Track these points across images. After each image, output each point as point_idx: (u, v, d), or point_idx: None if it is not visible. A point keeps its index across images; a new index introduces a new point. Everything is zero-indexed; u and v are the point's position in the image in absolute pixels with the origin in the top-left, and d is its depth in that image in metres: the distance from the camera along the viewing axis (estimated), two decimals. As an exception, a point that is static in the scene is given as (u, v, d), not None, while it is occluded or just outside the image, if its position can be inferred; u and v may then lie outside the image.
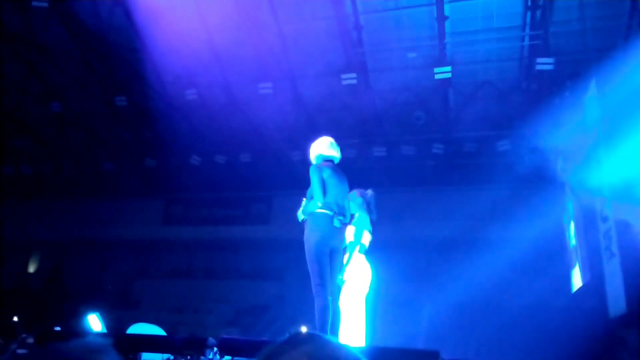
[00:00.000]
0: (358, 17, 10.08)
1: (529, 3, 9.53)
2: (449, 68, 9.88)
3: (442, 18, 9.57)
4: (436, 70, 9.92)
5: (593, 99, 7.75)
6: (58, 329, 5.80)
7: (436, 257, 11.71)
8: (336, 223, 4.05)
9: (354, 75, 10.37)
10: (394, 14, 10.09)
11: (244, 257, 14.84)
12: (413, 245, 11.59)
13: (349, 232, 4.51)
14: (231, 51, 10.72)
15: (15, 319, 11.39)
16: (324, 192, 4.06)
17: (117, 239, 14.87)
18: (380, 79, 11.06)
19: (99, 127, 13.50)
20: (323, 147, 4.38)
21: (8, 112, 12.75)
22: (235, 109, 11.71)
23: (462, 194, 11.95)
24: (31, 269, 16.30)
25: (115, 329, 9.55)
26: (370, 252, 4.83)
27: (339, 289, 4.27)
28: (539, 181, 10.17)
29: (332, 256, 4.08)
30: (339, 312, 4.07)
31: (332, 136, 4.55)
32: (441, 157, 12.05)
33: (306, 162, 4.48)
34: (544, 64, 9.38)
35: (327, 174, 4.15)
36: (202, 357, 3.75)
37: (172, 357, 4.01)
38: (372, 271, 4.78)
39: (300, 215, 4.18)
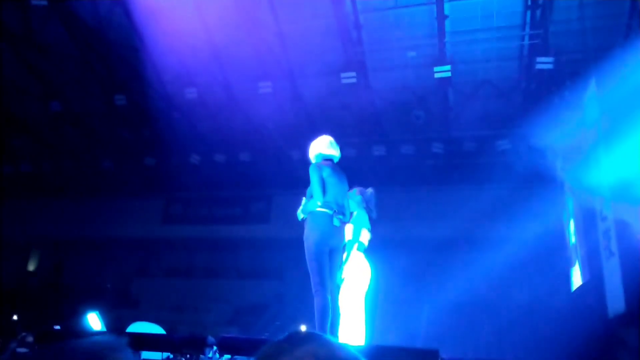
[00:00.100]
0: (358, 16, 10.08)
1: (529, 2, 9.53)
2: (448, 67, 9.88)
3: (441, 17, 9.57)
4: (436, 69, 9.92)
5: (592, 99, 7.75)
6: (58, 327, 5.81)
7: (436, 256, 11.71)
8: (336, 222, 4.06)
9: (353, 74, 10.37)
10: (394, 12, 10.08)
11: (244, 256, 14.85)
12: (413, 244, 11.59)
13: (348, 231, 4.52)
14: (231, 50, 10.72)
15: (15, 317, 11.40)
16: (324, 191, 4.07)
17: (116, 237, 14.87)
18: (380, 78, 11.05)
19: (99, 126, 13.49)
20: (323, 146, 4.39)
21: (7, 111, 12.75)
22: (234, 108, 11.71)
23: (462, 193, 11.94)
24: (31, 267, 16.30)
25: (115, 328, 9.56)
26: (370, 251, 4.84)
27: (338, 288, 4.28)
28: (539, 180, 10.16)
29: (331, 255, 4.09)
30: (338, 311, 4.08)
31: (332, 135, 4.55)
32: (441, 156, 12.05)
33: (306, 161, 4.49)
34: (544, 63, 9.38)
35: (326, 173, 4.16)
36: (201, 356, 3.76)
37: (171, 356, 4.01)
38: (371, 270, 4.78)
39: (300, 214, 4.18)
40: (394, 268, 9.91)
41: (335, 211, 4.06)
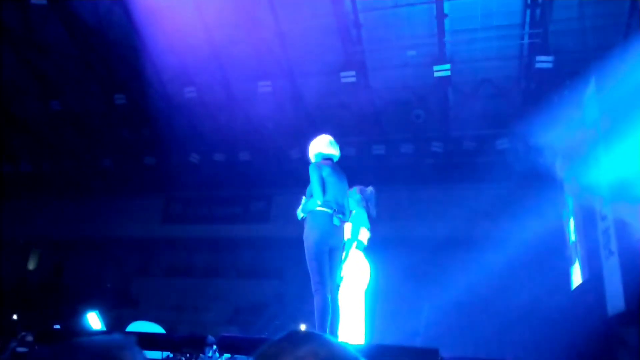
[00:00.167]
0: (357, 15, 10.07)
1: (529, 1, 9.53)
2: (448, 66, 9.88)
3: (441, 16, 9.57)
4: (435, 68, 9.92)
5: (592, 98, 7.75)
6: (57, 327, 5.81)
7: (435, 255, 11.70)
8: (336, 221, 4.06)
9: (353, 73, 10.36)
10: (394, 12, 10.08)
11: (244, 255, 14.84)
12: (412, 243, 11.59)
13: (346, 229, 4.52)
14: (230, 49, 10.72)
15: (15, 317, 11.40)
16: (324, 191, 4.07)
17: (116, 237, 14.86)
18: (380, 77, 11.05)
19: (99, 125, 13.49)
20: (322, 146, 4.39)
21: (7, 111, 12.74)
22: (234, 107, 11.71)
23: (461, 192, 11.94)
24: (30, 267, 16.29)
25: (115, 327, 9.56)
26: (370, 250, 4.84)
27: (338, 287, 4.28)
28: (538, 179, 10.16)
29: (331, 254, 4.09)
30: (338, 310, 4.08)
31: (331, 134, 4.56)
32: (440, 155, 12.06)
33: (305, 160, 4.49)
34: (544, 62, 9.38)
35: (326, 172, 4.16)
36: (201, 355, 3.76)
37: (171, 355, 4.02)
38: (371, 269, 4.79)
39: (300, 214, 4.19)
40: (394, 267, 9.91)
41: (335, 210, 4.07)
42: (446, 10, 9.58)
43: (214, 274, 15.01)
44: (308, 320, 8.24)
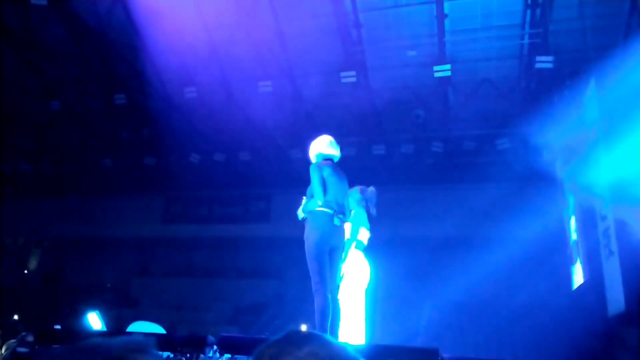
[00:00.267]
0: (357, 15, 10.07)
1: (529, 1, 9.52)
2: (448, 66, 9.87)
3: (441, 16, 9.56)
4: (436, 68, 9.91)
5: (592, 98, 7.76)
6: (58, 327, 5.82)
7: (436, 255, 11.71)
8: (336, 221, 4.07)
9: (353, 73, 10.36)
10: (394, 11, 10.08)
11: (244, 255, 14.85)
12: (412, 243, 11.60)
13: (346, 229, 4.52)
14: (230, 49, 10.72)
15: (16, 317, 11.42)
16: (324, 191, 4.07)
17: (116, 237, 14.87)
18: (380, 77, 11.05)
19: (99, 125, 13.49)
20: (323, 146, 4.40)
21: (7, 110, 12.74)
22: (234, 107, 11.70)
23: (461, 192, 11.95)
24: (31, 267, 16.30)
25: (115, 327, 9.56)
26: (370, 250, 4.84)
27: (338, 287, 4.29)
28: (538, 179, 10.17)
29: (332, 254, 4.10)
30: (338, 310, 4.08)
31: (332, 134, 4.56)
32: (440, 155, 12.05)
33: (306, 160, 4.49)
34: (544, 62, 9.37)
35: (327, 172, 4.17)
36: (201, 355, 3.76)
37: (171, 355, 4.02)
38: (371, 268, 4.79)
39: (301, 214, 4.19)
40: (394, 267, 9.92)
41: (335, 211, 4.07)
42: (446, 10, 9.57)
43: (214, 273, 15.02)
44: (308, 320, 8.25)
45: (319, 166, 4.19)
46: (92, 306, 8.16)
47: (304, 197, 4.22)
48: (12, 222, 13.93)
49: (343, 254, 4.47)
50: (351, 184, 4.60)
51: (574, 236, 9.31)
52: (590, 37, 9.54)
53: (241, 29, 10.31)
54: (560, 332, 8.44)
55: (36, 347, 4.13)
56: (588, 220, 8.00)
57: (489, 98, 10.87)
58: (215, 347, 3.76)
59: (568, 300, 9.54)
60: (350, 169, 4.63)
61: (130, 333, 4.59)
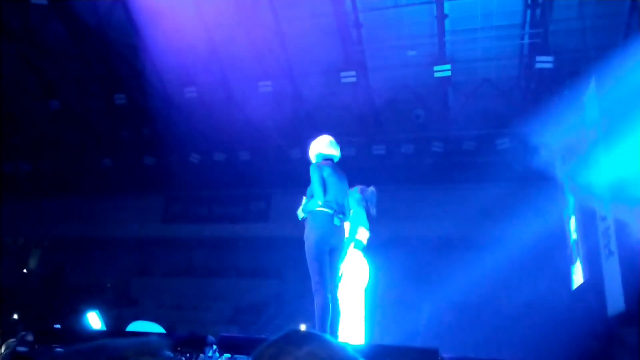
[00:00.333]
0: (357, 15, 10.07)
1: (529, 1, 9.52)
2: (448, 66, 9.87)
3: (441, 16, 9.57)
4: (436, 68, 9.91)
5: (592, 98, 7.76)
6: (58, 326, 5.81)
7: (435, 255, 11.71)
8: (336, 221, 4.07)
9: (353, 73, 10.36)
10: (394, 11, 10.08)
11: (243, 254, 14.85)
12: (412, 243, 11.60)
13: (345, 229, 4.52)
14: (230, 49, 10.72)
15: (15, 316, 11.42)
16: (324, 191, 4.07)
17: (116, 236, 14.88)
18: (380, 77, 11.05)
19: (98, 124, 13.49)
20: (323, 146, 4.39)
21: (7, 110, 12.74)
22: (234, 107, 11.70)
23: (461, 192, 11.95)
24: (31, 266, 16.30)
25: (115, 327, 9.57)
26: (370, 250, 4.84)
27: (338, 287, 4.29)
28: (538, 179, 10.17)
29: (331, 254, 4.10)
30: (338, 310, 4.08)
31: (331, 134, 4.56)
32: (440, 155, 12.05)
33: (305, 160, 4.49)
34: (544, 62, 9.37)
35: (327, 172, 4.17)
36: (201, 355, 3.75)
37: (171, 355, 4.01)
38: (370, 268, 4.78)
39: (300, 214, 4.19)
40: (394, 267, 9.93)
41: (335, 211, 4.07)
42: (446, 10, 9.58)
43: (214, 273, 15.02)
44: (308, 320, 8.25)
45: (319, 166, 4.19)
46: (92, 306, 8.15)
47: (304, 197, 4.22)
48: (12, 222, 13.92)
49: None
50: (351, 184, 4.60)
51: (573, 236, 9.31)
52: (590, 37, 9.54)
53: (241, 29, 10.31)
54: (560, 331, 8.44)
55: (36, 346, 4.13)
56: (588, 220, 8.00)
57: (489, 98, 10.87)
58: (214, 346, 3.76)
59: (568, 300, 9.54)
60: (350, 168, 4.63)
61: (145, 333, 4.58)
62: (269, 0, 10.00)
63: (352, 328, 4.47)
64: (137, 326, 6.82)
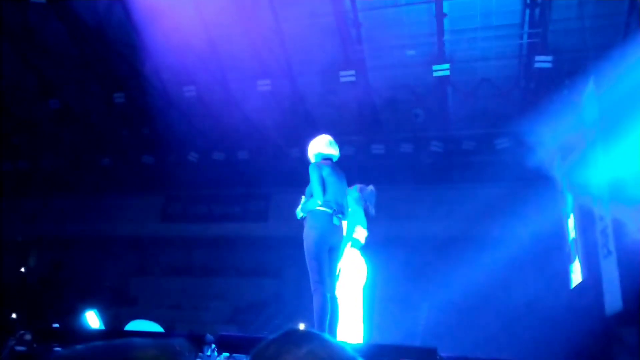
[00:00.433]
0: (357, 14, 10.06)
1: (528, 1, 9.53)
2: (447, 66, 9.88)
3: (440, 15, 9.56)
4: (435, 67, 9.92)
5: (591, 97, 7.76)
6: (56, 325, 5.81)
7: (434, 255, 11.71)
8: (335, 221, 4.07)
9: (352, 72, 10.36)
10: (393, 11, 10.08)
11: (242, 254, 14.84)
12: (411, 242, 11.60)
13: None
14: (230, 48, 10.71)
15: (14, 316, 11.39)
16: (324, 190, 4.08)
17: (115, 235, 14.86)
18: (379, 76, 11.04)
19: (98, 124, 13.48)
20: (322, 145, 4.40)
21: (6, 109, 12.72)
22: (233, 106, 11.69)
23: (460, 191, 11.96)
24: (29, 265, 16.29)
25: (114, 326, 9.57)
26: (368, 249, 4.85)
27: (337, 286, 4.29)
28: (538, 179, 10.18)
29: (331, 254, 4.10)
30: (337, 309, 4.09)
31: (331, 133, 4.56)
32: (440, 154, 12.06)
33: (305, 160, 4.50)
34: (543, 62, 9.38)
35: (326, 172, 4.17)
36: (200, 354, 3.76)
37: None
38: (369, 268, 4.79)
39: (300, 213, 4.20)
40: (393, 266, 9.93)
41: (334, 210, 4.08)
42: (445, 10, 9.58)
43: (213, 272, 15.01)
44: (307, 319, 8.25)
45: (318, 165, 4.20)
46: (91, 305, 8.15)
47: (303, 197, 4.22)
48: (12, 221, 13.91)
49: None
50: (350, 183, 4.61)
51: (572, 234, 9.32)
52: (590, 36, 9.54)
53: (240, 28, 10.31)
54: (558, 331, 8.46)
55: (34, 345, 4.13)
56: (586, 220, 8.01)
57: (488, 97, 10.87)
58: (213, 345, 3.77)
59: (566, 299, 9.55)
60: (349, 168, 4.64)
61: (168, 335, 4.57)
62: (268, -1, 10.00)
63: (350, 327, 4.48)
64: (136, 325, 6.83)
